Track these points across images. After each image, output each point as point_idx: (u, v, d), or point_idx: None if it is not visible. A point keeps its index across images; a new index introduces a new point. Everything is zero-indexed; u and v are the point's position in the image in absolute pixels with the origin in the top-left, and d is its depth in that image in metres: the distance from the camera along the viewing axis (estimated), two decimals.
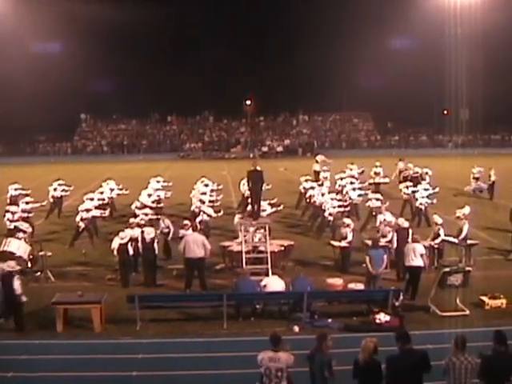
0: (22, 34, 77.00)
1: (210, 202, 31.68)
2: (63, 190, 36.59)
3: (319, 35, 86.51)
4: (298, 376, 12.25)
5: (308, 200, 34.48)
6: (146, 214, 27.95)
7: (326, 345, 12.02)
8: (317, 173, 44.86)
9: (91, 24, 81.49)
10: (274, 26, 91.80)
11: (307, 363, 12.15)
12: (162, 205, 34.26)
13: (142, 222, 25.19)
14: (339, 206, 30.18)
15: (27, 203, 31.27)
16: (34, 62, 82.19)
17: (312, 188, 34.74)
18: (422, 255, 20.83)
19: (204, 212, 28.72)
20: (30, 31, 77.80)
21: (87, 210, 28.90)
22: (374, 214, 30.15)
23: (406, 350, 11.64)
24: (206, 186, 35.70)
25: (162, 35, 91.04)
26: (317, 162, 46.80)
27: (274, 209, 28.76)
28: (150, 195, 33.31)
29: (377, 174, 42.24)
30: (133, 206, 30.56)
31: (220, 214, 29.80)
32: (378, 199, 31.59)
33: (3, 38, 74.08)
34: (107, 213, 33.02)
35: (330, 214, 29.29)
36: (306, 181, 37.09)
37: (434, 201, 32.43)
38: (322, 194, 32.05)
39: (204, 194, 33.29)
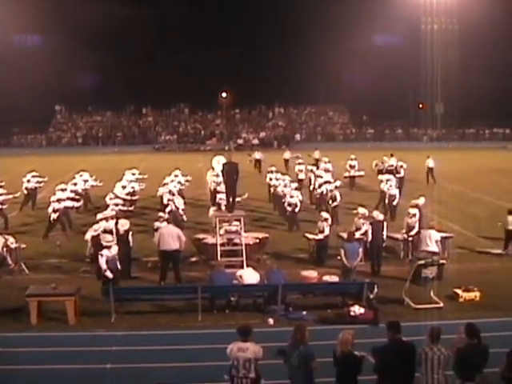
0: None
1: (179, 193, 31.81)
2: (37, 182, 36.35)
3: (296, 29, 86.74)
4: (270, 369, 12.24)
5: (272, 191, 34.74)
6: (117, 205, 27.91)
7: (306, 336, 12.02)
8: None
9: (68, 17, 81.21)
10: (251, 20, 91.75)
11: (280, 357, 12.06)
12: (136, 197, 34.24)
13: (113, 213, 25.15)
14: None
15: (0, 195, 31.07)
16: (10, 54, 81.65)
17: (277, 179, 34.93)
18: (436, 241, 21.33)
19: (172, 201, 28.71)
20: (6, 24, 77.24)
21: (59, 201, 28.78)
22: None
23: (396, 339, 11.69)
24: (176, 176, 35.69)
25: (138, 28, 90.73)
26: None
27: (237, 198, 28.87)
28: (124, 187, 33.23)
29: (352, 167, 42.39)
30: (106, 198, 30.46)
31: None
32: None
33: None
34: (81, 204, 33.03)
35: (289, 205, 29.44)
36: (271, 172, 37.34)
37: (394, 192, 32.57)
38: (285, 186, 32.25)
39: (165, 184, 33.34)
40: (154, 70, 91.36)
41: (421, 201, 26.75)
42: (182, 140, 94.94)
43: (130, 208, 30.10)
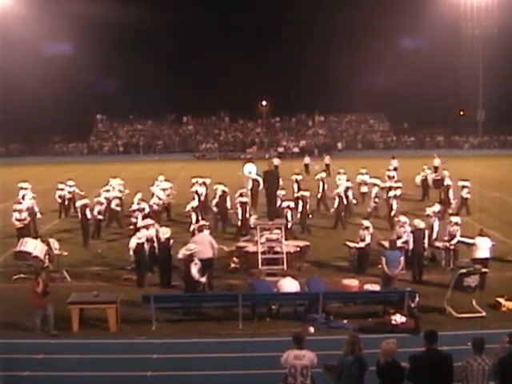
0: (36, 35, 77.21)
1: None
2: (71, 191, 36.64)
3: (334, 36, 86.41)
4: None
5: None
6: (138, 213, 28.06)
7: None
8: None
9: (106, 25, 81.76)
10: (290, 27, 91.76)
11: (330, 373, 11.81)
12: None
13: (153, 221, 25.27)
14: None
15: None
16: (52, 63, 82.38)
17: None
18: (489, 248, 21.68)
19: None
20: (44, 32, 78.04)
21: (86, 205, 29.25)
22: None
23: (430, 349, 11.57)
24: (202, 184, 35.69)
25: (178, 36, 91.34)
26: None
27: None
28: (158, 196, 32.91)
29: (390, 177, 41.84)
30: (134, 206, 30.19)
31: None
32: None
33: (18, 39, 74.65)
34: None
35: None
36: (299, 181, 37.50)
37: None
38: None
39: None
40: (195, 79, 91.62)
41: (436, 208, 26.69)
42: (222, 148, 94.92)
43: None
